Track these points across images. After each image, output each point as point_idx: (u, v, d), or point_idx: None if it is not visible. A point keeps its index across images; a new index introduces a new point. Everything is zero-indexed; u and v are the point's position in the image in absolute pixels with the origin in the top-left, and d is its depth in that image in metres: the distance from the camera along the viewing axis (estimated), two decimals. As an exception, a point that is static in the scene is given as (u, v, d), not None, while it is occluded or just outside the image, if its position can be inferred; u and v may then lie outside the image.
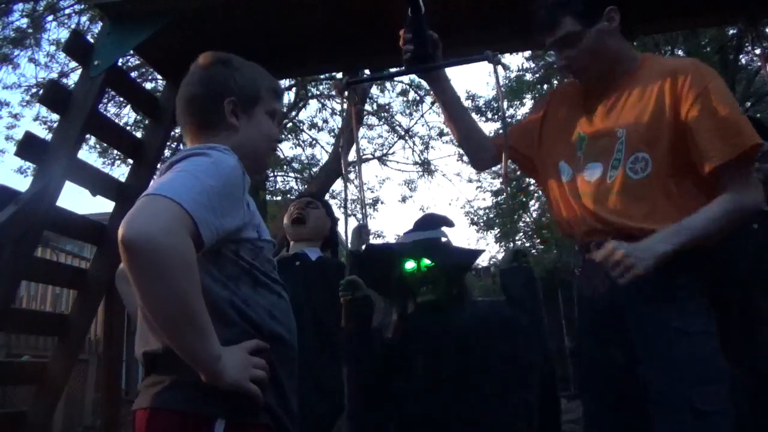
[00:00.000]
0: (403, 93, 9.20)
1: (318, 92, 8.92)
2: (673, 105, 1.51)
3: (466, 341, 1.47)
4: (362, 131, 9.27)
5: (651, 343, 1.45)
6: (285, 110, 9.23)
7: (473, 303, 1.61)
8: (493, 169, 11.46)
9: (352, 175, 8.59)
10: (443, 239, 1.63)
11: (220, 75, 1.33)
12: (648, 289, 1.44)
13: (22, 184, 16.09)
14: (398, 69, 2.45)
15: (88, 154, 8.78)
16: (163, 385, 1.13)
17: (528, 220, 10.97)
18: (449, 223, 1.69)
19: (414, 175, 10.42)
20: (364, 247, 1.76)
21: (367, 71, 4.21)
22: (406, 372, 1.46)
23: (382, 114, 9.47)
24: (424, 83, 8.67)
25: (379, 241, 10.32)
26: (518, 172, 9.97)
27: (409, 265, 1.56)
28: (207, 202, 1.08)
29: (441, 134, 9.82)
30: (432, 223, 1.67)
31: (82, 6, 7.12)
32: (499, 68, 1.72)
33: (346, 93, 1.98)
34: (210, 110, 1.31)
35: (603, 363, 1.55)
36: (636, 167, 1.52)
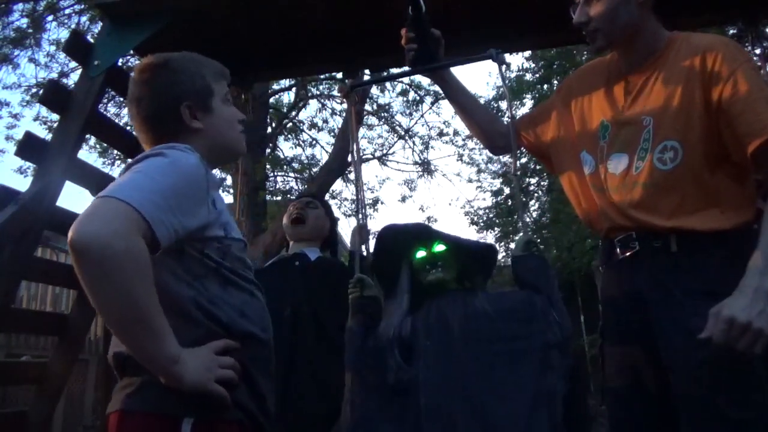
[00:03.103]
0: (403, 93, 9.21)
1: (318, 92, 8.92)
2: (703, 87, 1.41)
3: (480, 326, 1.44)
4: (362, 131, 9.27)
5: (677, 344, 1.36)
6: (285, 110, 9.24)
7: (485, 292, 1.59)
8: (493, 168, 11.49)
9: (352, 175, 8.60)
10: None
11: (166, 82, 1.28)
12: (676, 288, 1.39)
13: (22, 184, 16.09)
14: (401, 70, 2.46)
15: (88, 154, 8.79)
16: (132, 387, 1.13)
17: (528, 220, 10.97)
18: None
19: (414, 175, 10.42)
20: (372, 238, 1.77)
21: (367, 71, 4.21)
22: (418, 362, 1.44)
23: (382, 114, 9.47)
24: (424, 83, 8.66)
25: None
26: (518, 172, 9.97)
27: (420, 254, 1.57)
28: (162, 201, 1.07)
29: (441, 134, 9.83)
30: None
31: (82, 6, 7.12)
32: (503, 66, 1.72)
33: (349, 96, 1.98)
34: (168, 121, 1.28)
35: (629, 363, 1.49)
36: (664, 157, 1.43)
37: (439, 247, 1.58)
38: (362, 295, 1.57)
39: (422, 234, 1.61)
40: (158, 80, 1.29)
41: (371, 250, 1.78)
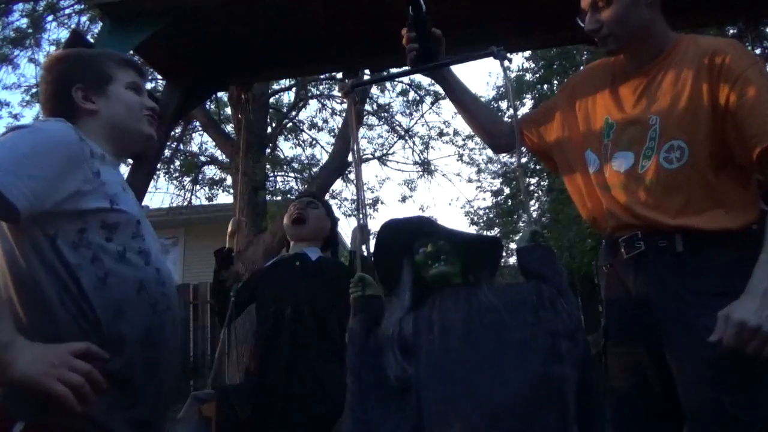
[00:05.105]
0: (403, 93, 9.21)
1: (318, 92, 8.92)
2: (710, 88, 1.41)
3: (484, 319, 1.39)
4: (362, 131, 9.26)
5: (683, 344, 1.36)
6: (285, 110, 9.24)
7: (491, 285, 1.52)
8: (493, 168, 11.49)
9: (352, 176, 8.60)
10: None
11: (62, 71, 1.35)
12: (682, 288, 1.39)
13: (22, 184, 15.99)
14: (402, 70, 2.45)
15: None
16: None
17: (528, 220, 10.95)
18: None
19: (414, 175, 10.41)
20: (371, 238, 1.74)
21: (367, 71, 4.21)
22: (419, 359, 1.40)
23: (382, 114, 9.47)
24: (424, 83, 8.64)
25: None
26: (523, 159, 9.95)
27: (422, 248, 1.53)
28: (12, 167, 1.08)
29: (441, 134, 9.83)
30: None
31: (82, 6, 7.12)
32: (505, 63, 1.70)
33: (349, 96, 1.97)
34: (61, 103, 1.32)
35: (633, 363, 1.49)
36: (671, 156, 1.43)
37: (441, 241, 1.54)
38: (364, 295, 1.53)
39: (423, 228, 1.58)
40: (54, 70, 1.35)
41: (372, 250, 1.76)
